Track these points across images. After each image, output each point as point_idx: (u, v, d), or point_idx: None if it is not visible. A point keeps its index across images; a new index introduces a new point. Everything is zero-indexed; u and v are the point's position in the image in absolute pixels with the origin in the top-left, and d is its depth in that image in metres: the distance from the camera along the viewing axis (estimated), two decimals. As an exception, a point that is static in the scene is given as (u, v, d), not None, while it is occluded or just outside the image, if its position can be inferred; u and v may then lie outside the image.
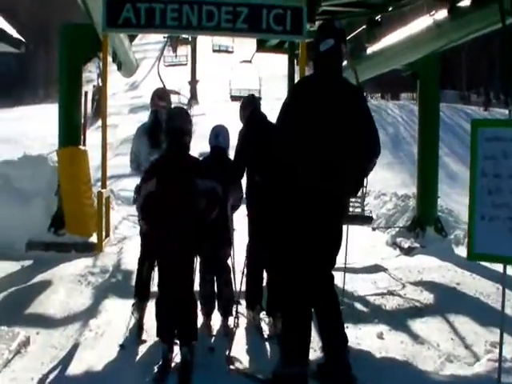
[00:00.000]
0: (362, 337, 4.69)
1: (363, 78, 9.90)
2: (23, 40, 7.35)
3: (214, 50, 29.87)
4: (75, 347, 4.38)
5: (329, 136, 3.66)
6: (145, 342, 4.47)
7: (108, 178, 7.59)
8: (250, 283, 4.89)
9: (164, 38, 14.76)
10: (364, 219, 7.12)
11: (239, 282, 4.95)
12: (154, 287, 4.36)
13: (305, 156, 3.65)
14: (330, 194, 3.68)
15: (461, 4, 6.95)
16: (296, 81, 8.53)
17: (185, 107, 20.28)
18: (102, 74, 7.81)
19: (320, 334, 3.94)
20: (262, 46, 11.19)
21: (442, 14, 7.38)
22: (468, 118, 28.37)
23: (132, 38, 10.21)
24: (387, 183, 15.70)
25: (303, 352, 3.70)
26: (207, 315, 4.76)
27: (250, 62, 13.59)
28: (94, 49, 7.87)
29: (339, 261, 4.12)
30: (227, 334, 4.63)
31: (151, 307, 4.35)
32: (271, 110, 5.13)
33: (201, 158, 4.53)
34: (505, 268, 3.87)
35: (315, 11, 6.83)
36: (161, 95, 5.11)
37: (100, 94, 19.82)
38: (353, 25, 10.00)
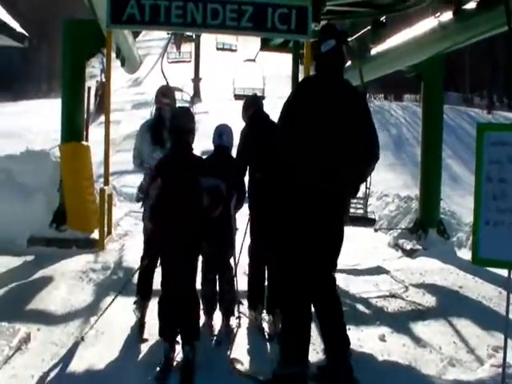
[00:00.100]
0: (363, 339, 4.68)
1: (367, 79, 9.89)
2: (27, 34, 7.32)
3: (218, 48, 29.79)
4: (76, 345, 4.36)
5: (329, 137, 3.66)
6: (146, 340, 4.46)
7: (110, 174, 7.57)
8: (252, 283, 4.88)
9: (168, 34, 14.74)
10: (367, 221, 7.11)
11: (241, 282, 4.93)
12: (156, 286, 4.35)
13: (306, 156, 3.65)
14: (330, 194, 3.68)
15: (466, 6, 6.92)
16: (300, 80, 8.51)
17: (187, 105, 20.28)
18: (106, 71, 7.78)
19: (322, 336, 3.94)
20: (266, 45, 11.11)
21: (447, 15, 7.35)
22: (471, 121, 28.35)
23: (136, 35, 10.19)
24: (389, 184, 15.69)
25: (303, 352, 3.70)
26: (209, 315, 4.74)
27: (254, 60, 13.58)
28: (98, 44, 7.86)
29: (341, 262, 4.10)
30: (228, 334, 4.61)
31: (153, 306, 4.33)
32: (273, 108, 5.10)
33: (204, 157, 4.52)
34: (509, 273, 3.84)
35: (320, 11, 6.80)
36: (165, 92, 5.10)
37: (103, 89, 19.80)
38: (357, 25, 9.98)
